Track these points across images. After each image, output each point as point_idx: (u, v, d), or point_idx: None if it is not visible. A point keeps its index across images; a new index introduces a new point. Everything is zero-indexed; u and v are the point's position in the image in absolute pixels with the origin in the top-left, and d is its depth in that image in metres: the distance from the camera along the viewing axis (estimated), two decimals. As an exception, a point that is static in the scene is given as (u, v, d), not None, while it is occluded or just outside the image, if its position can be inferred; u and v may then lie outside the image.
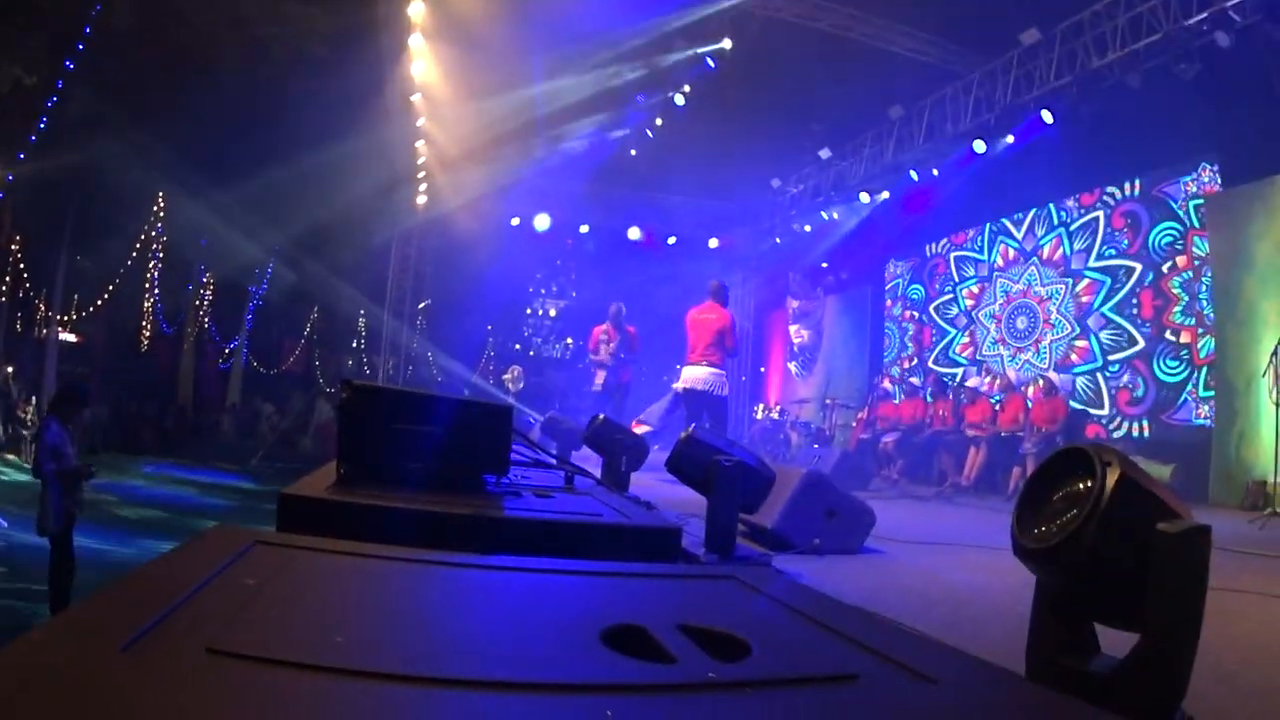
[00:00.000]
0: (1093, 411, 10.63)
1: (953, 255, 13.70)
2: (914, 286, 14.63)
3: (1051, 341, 11.52)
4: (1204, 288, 9.37)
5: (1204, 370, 9.31)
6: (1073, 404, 10.51)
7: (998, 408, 10.56)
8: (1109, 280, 10.74)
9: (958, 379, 12.60)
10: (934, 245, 14.17)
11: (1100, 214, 11.00)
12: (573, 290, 23.24)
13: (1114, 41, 9.25)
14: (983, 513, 7.71)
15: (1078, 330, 11.10)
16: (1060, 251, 11.57)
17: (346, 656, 0.83)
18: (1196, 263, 9.56)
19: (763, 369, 19.09)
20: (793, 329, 17.77)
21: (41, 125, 13.72)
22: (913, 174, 12.60)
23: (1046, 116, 10.23)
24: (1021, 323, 12.11)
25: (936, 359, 13.69)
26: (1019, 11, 10.11)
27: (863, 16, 11.89)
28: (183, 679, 0.74)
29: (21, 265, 16.25)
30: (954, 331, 13.51)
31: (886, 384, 13.90)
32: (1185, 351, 9.60)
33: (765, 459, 3.95)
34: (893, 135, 12.85)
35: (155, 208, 18.55)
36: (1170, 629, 1.32)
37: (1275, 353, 7.38)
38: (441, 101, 13.09)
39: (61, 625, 0.83)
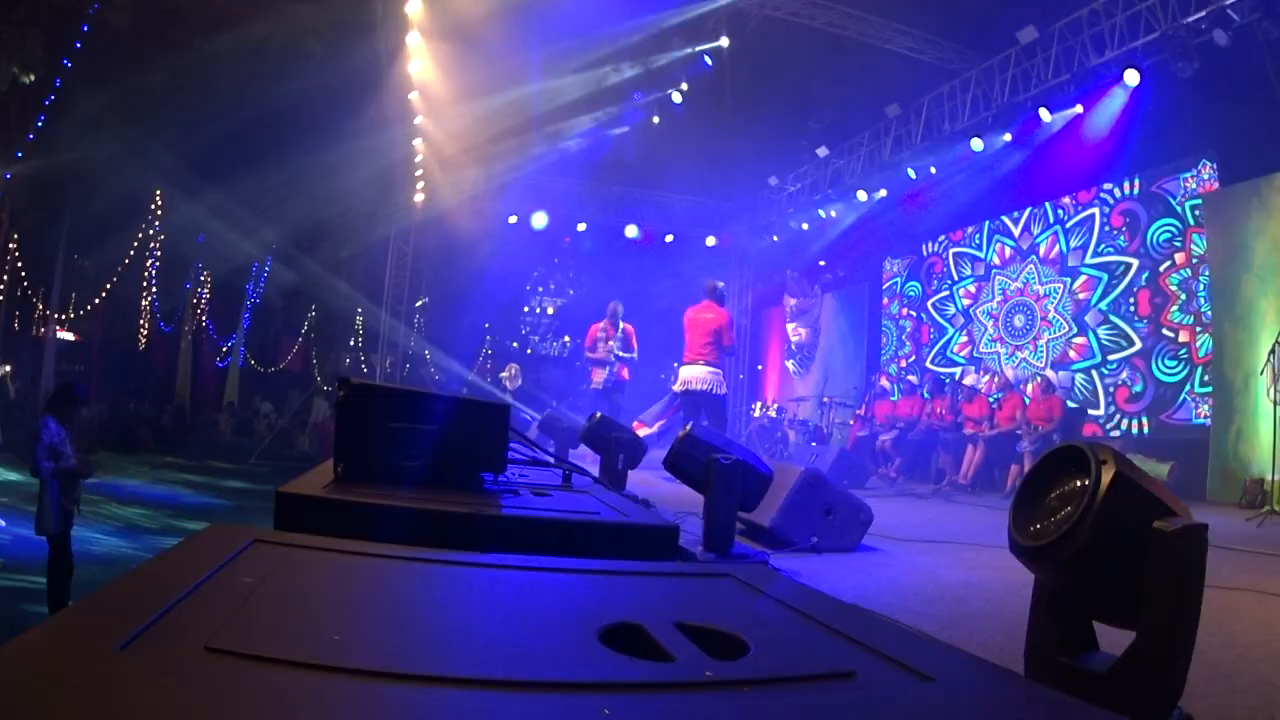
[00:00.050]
0: (1090, 412, 10.64)
1: (950, 253, 13.71)
2: (911, 284, 14.64)
3: (1049, 340, 11.52)
4: (1202, 285, 9.38)
5: (1202, 369, 9.32)
6: (1070, 403, 10.53)
7: (995, 406, 10.58)
8: (1106, 276, 10.74)
9: (955, 377, 12.61)
10: (931, 243, 14.17)
11: (1096, 210, 11.01)
12: (570, 288, 23.27)
13: (1112, 39, 9.26)
14: (980, 510, 7.73)
15: (1075, 329, 11.11)
16: (1057, 249, 11.57)
17: (345, 654, 0.83)
18: (1195, 260, 9.57)
19: (760, 367, 19.09)
20: (790, 327, 17.78)
21: (39, 124, 13.69)
22: (910, 172, 12.60)
23: (1044, 115, 10.24)
24: (1019, 321, 12.12)
25: (934, 357, 13.69)
26: (1017, 10, 10.12)
27: (860, 15, 11.88)
28: (181, 677, 0.74)
29: (20, 264, 16.21)
30: (951, 330, 13.52)
31: (884, 382, 13.91)
32: (1184, 351, 9.60)
33: (763, 457, 3.95)
34: (890, 133, 12.86)
35: (153, 206, 18.51)
36: (1167, 627, 1.32)
37: (1273, 351, 7.40)
38: (439, 99, 13.07)
39: (60, 624, 0.83)
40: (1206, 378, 9.18)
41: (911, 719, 0.85)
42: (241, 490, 13.69)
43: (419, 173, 15.65)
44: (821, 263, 16.79)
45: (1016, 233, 12.38)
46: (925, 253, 14.32)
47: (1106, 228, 10.85)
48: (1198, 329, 9.42)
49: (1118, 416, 10.36)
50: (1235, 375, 8.55)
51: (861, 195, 13.89)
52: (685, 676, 0.88)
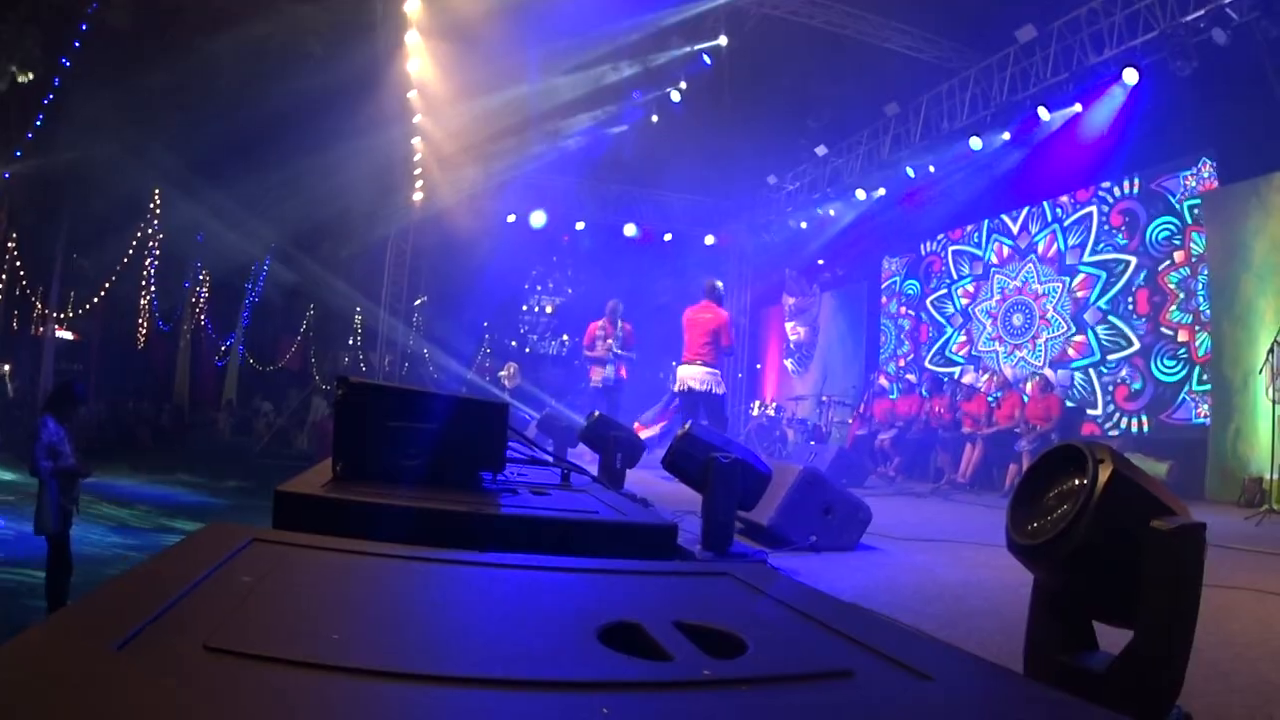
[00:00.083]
0: (1089, 411, 10.65)
1: (949, 251, 13.71)
2: (910, 283, 14.64)
3: (1048, 339, 11.53)
4: (1201, 284, 9.38)
5: (1200, 368, 9.33)
6: (1069, 402, 10.53)
7: (994, 405, 10.58)
8: (1104, 275, 10.75)
9: (954, 376, 12.62)
10: (930, 242, 14.17)
11: (1095, 209, 11.01)
12: (569, 287, 23.25)
13: (1111, 38, 9.26)
14: (979, 509, 7.73)
15: (1074, 328, 11.11)
16: (1056, 248, 11.58)
17: (343, 653, 0.83)
18: (1194, 259, 9.57)
19: (759, 366, 19.09)
20: (789, 326, 17.77)
21: (38, 123, 13.69)
22: (909, 170, 12.60)
23: (1043, 113, 10.24)
24: (1018, 320, 12.12)
25: (933, 356, 13.69)
26: (1015, 8, 10.12)
27: (859, 13, 11.87)
28: (180, 677, 0.73)
29: (18, 263, 16.21)
30: (950, 329, 13.52)
31: (882, 381, 13.91)
32: (1183, 350, 9.61)
33: (761, 456, 3.95)
34: (889, 132, 12.86)
35: (151, 205, 18.50)
36: (1165, 625, 1.32)
37: (1272, 350, 7.40)
38: (438, 98, 13.06)
39: (59, 623, 0.83)
40: (1205, 377, 9.18)
41: (910, 718, 0.85)
42: (240, 489, 13.70)
43: (418, 172, 15.64)
44: (820, 261, 16.78)
45: (1015, 231, 12.38)
46: (924, 251, 14.32)
47: (1105, 226, 10.85)
48: (1196, 328, 9.42)
49: (1116, 415, 10.36)
50: (1234, 374, 8.56)
51: (860, 194, 13.89)
52: (684, 675, 0.88)
